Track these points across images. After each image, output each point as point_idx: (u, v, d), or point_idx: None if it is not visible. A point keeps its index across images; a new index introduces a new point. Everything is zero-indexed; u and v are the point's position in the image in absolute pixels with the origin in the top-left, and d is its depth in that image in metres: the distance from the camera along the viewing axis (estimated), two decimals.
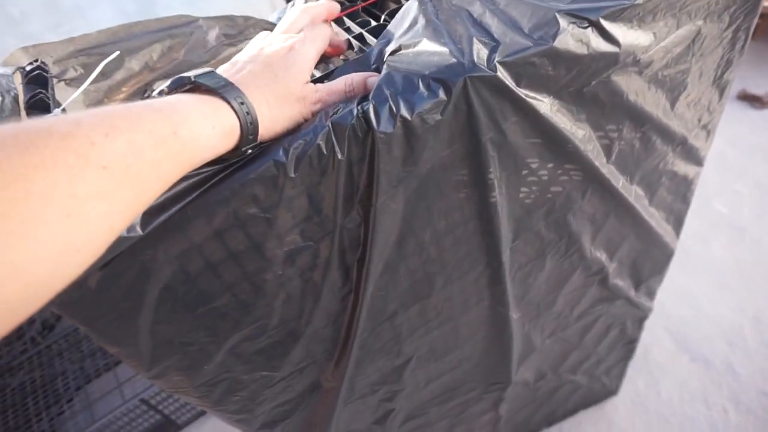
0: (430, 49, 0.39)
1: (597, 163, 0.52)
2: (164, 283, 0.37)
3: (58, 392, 1.23)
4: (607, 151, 0.53)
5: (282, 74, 0.41)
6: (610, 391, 1.19)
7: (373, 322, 0.47)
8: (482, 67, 0.37)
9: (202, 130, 0.34)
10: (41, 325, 1.36)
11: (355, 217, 0.41)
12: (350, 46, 0.51)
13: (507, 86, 0.39)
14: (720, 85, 0.58)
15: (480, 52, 0.38)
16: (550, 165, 0.48)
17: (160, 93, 0.38)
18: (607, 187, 0.56)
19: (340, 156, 0.38)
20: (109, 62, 0.47)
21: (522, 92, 0.40)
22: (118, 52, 0.46)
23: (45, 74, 0.45)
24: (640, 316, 0.97)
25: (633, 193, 0.62)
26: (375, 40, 0.47)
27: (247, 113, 0.37)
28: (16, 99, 0.44)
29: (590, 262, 0.66)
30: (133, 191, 0.29)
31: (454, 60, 0.37)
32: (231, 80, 0.38)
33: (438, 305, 0.52)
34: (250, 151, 0.38)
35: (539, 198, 0.50)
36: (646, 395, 1.25)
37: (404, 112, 0.37)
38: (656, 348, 1.32)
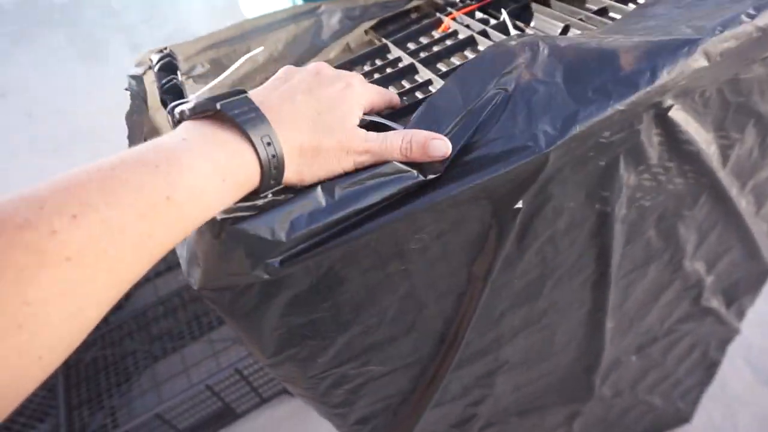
0: None
1: (714, 167, 0.50)
2: (297, 291, 0.37)
3: (128, 370, 1.27)
4: (726, 155, 0.50)
5: (327, 112, 0.34)
6: (684, 418, 1.13)
7: (481, 323, 0.46)
8: None
9: (208, 186, 0.28)
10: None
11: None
12: None
13: None
14: None
15: None
16: (670, 165, 0.46)
17: (181, 115, 0.32)
18: (720, 195, 0.54)
19: None
20: (232, 55, 0.48)
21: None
22: (261, 47, 0.47)
23: (174, 62, 0.46)
24: (726, 336, 0.92)
25: (744, 203, 0.58)
26: (500, 36, 0.46)
27: (273, 156, 0.31)
28: (144, 100, 0.46)
29: (689, 273, 0.63)
30: (111, 277, 0.24)
31: None
32: (264, 108, 0.32)
33: (543, 309, 0.51)
34: (270, 195, 0.33)
35: (654, 201, 0.48)
36: (721, 427, 1.18)
37: None
38: (734, 379, 1.25)
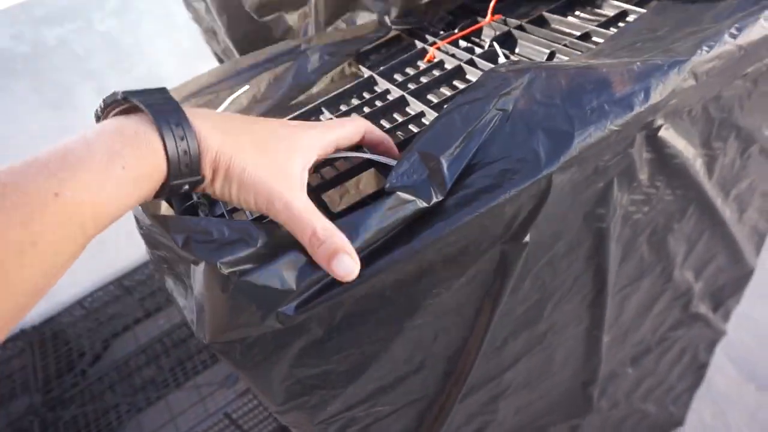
0: None
1: (701, 180, 0.51)
2: (308, 342, 0.36)
3: (111, 426, 1.22)
4: (711, 168, 0.51)
5: (262, 143, 0.32)
6: (677, 422, 1.14)
7: (486, 352, 0.46)
8: None
9: (105, 177, 0.26)
10: (91, 357, 1.36)
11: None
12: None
13: None
14: None
15: None
16: (660, 181, 0.47)
17: (97, 114, 0.31)
18: (707, 205, 0.55)
19: None
20: (215, 100, 0.47)
21: None
22: (246, 86, 0.46)
23: None
24: (714, 338, 0.94)
25: (728, 212, 0.60)
26: (488, 64, 0.46)
27: (185, 153, 0.29)
28: None
29: (680, 282, 0.64)
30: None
31: None
32: (195, 114, 0.31)
33: (544, 331, 0.51)
34: (186, 186, 0.30)
35: (646, 217, 0.49)
36: (713, 426, 1.20)
37: None
38: (719, 377, 1.27)
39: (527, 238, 0.38)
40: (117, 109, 0.31)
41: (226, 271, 0.31)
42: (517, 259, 0.39)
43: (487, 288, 0.41)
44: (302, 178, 0.33)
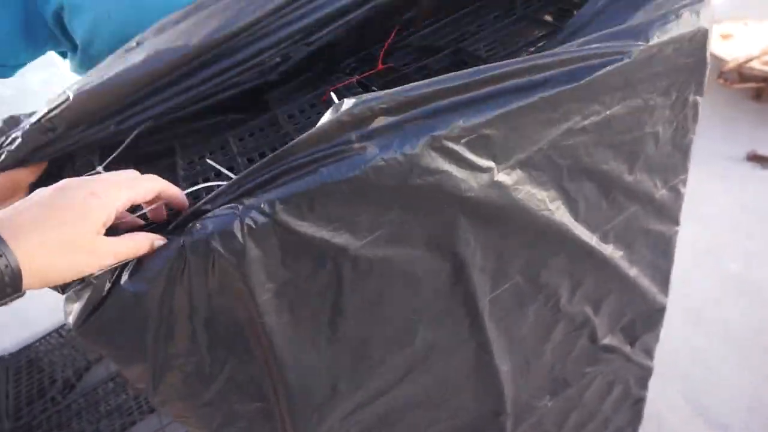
0: None
1: (565, 221, 0.57)
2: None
3: None
4: (575, 209, 0.57)
5: (71, 221, 0.36)
6: None
7: (363, 368, 0.51)
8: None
9: None
10: (62, 384, 1.40)
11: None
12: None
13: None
14: (681, 149, 0.62)
15: None
16: (519, 221, 0.52)
17: None
18: (579, 244, 0.60)
19: None
20: None
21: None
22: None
23: None
24: (642, 374, 0.97)
25: (609, 250, 0.65)
26: None
27: (6, 266, 0.33)
28: None
29: (574, 314, 0.69)
30: None
31: None
32: (3, 225, 0.34)
33: (423, 352, 0.56)
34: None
35: (510, 251, 0.54)
36: None
37: None
38: (671, 413, 1.29)
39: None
40: None
41: None
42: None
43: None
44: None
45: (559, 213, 0.56)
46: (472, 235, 0.50)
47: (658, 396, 1.05)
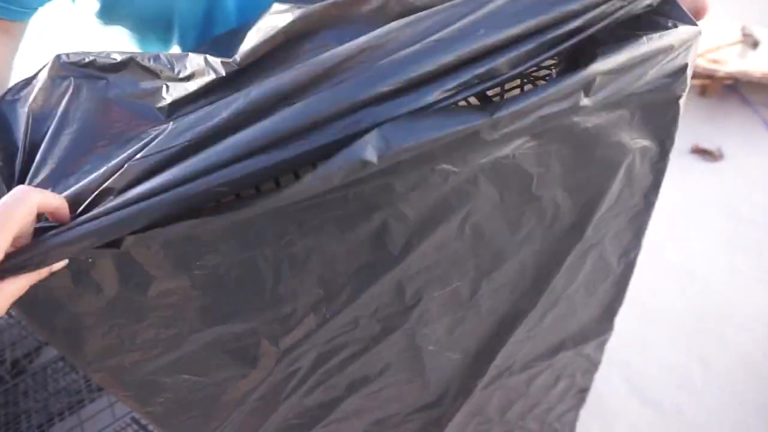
0: None
1: None
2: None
3: (21, 431, 1.23)
4: None
5: None
6: None
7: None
8: None
9: None
10: (11, 365, 1.37)
11: None
12: None
13: None
14: None
15: None
16: None
17: None
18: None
19: None
20: None
21: None
22: None
23: None
24: (589, 368, 1.02)
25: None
26: None
27: None
28: None
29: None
30: None
31: None
32: None
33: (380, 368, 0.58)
34: None
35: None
36: None
37: None
38: (609, 392, 1.38)
39: None
40: None
41: None
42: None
43: None
44: None
45: None
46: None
47: (599, 378, 1.11)
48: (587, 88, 0.45)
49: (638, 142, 0.56)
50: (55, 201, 0.39)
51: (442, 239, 0.53)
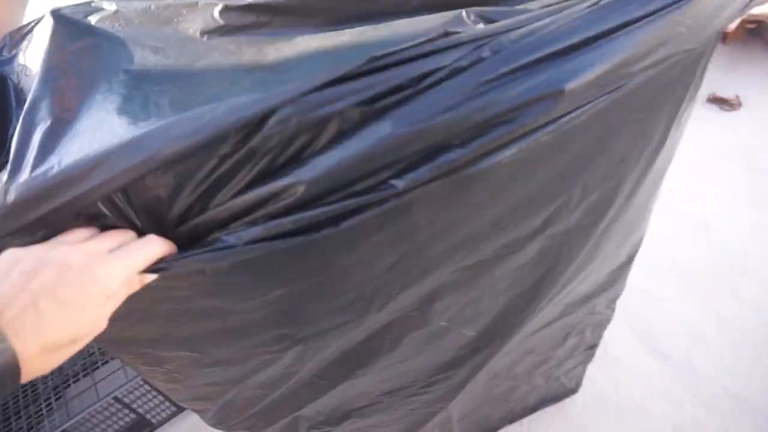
0: None
1: None
2: None
3: (37, 392, 1.26)
4: None
5: (75, 319, 0.34)
6: (570, 390, 1.22)
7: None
8: None
9: None
10: None
11: None
12: None
13: None
14: None
15: None
16: None
17: None
18: None
19: None
20: None
21: None
22: None
23: None
24: (600, 322, 1.01)
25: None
26: None
27: (6, 364, 0.31)
28: None
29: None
30: None
31: None
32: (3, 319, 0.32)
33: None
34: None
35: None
36: (605, 391, 1.27)
37: None
38: (617, 344, 1.35)
39: None
40: None
41: None
42: None
43: None
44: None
45: None
46: None
47: (607, 330, 1.08)
48: None
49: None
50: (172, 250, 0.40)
51: None
